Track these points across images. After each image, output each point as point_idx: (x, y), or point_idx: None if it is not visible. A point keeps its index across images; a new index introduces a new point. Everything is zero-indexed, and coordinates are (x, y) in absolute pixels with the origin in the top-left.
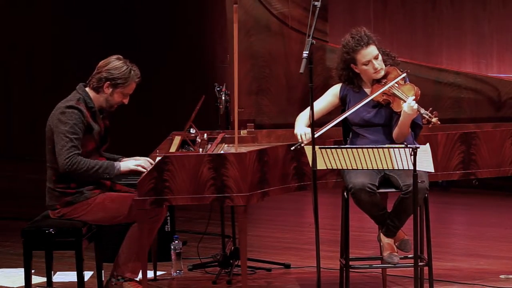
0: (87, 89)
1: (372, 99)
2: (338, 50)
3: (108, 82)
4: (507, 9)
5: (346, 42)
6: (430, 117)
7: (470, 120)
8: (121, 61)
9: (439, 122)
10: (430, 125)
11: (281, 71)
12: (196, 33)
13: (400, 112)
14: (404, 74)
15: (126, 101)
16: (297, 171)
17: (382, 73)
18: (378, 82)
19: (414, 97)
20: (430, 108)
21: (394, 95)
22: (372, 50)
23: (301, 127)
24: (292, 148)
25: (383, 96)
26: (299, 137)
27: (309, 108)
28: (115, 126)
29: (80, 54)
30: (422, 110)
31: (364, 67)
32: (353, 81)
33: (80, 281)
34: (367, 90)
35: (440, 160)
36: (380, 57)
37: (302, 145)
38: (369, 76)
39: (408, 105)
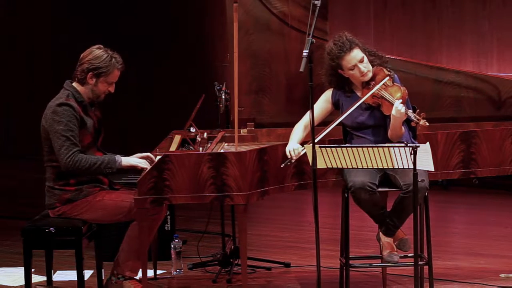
0: (74, 84)
1: (363, 101)
2: (324, 57)
3: (91, 73)
4: (507, 7)
5: (330, 49)
6: (418, 119)
7: (470, 119)
8: (101, 50)
9: (427, 124)
10: (419, 127)
11: (281, 70)
12: (196, 32)
13: (391, 115)
14: (388, 77)
15: (112, 89)
16: (297, 170)
17: (370, 75)
18: (367, 84)
19: (401, 100)
20: (418, 110)
21: (383, 97)
22: (356, 54)
23: (291, 143)
24: (282, 166)
25: (372, 98)
26: (288, 153)
27: (304, 118)
28: (116, 125)
29: (80, 54)
30: (410, 113)
31: (351, 71)
32: (343, 86)
33: (80, 280)
34: (359, 93)
35: (440, 159)
36: (365, 59)
37: (292, 161)
38: (357, 80)
39: (396, 109)
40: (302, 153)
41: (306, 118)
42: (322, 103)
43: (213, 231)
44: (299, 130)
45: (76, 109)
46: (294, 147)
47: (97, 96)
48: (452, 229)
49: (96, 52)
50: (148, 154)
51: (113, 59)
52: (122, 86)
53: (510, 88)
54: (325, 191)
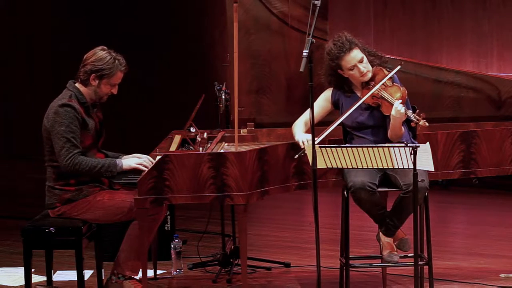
0: (76, 84)
1: (363, 102)
2: (324, 57)
3: (94, 74)
4: (507, 7)
5: (329, 49)
6: (417, 119)
7: (470, 119)
8: (105, 52)
9: (427, 124)
10: (419, 127)
11: (281, 70)
12: (196, 32)
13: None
14: (390, 75)
15: (114, 91)
16: (297, 170)
17: (369, 75)
18: (367, 84)
19: (400, 100)
20: (417, 110)
21: (383, 98)
22: (355, 55)
23: (301, 134)
24: (296, 157)
25: (372, 99)
26: (301, 143)
27: (303, 115)
28: (116, 125)
29: (80, 53)
30: (410, 113)
31: (350, 72)
32: (343, 87)
33: (80, 280)
34: (359, 93)
35: (440, 159)
36: (365, 59)
37: (306, 152)
38: (357, 80)
39: (395, 109)
40: (315, 142)
41: (306, 115)
42: (322, 102)
43: (213, 231)
44: (300, 125)
45: (78, 111)
46: (306, 137)
47: (99, 97)
48: (452, 229)
49: (100, 53)
50: (147, 157)
51: (116, 61)
52: (122, 86)
53: (510, 88)
54: (325, 191)
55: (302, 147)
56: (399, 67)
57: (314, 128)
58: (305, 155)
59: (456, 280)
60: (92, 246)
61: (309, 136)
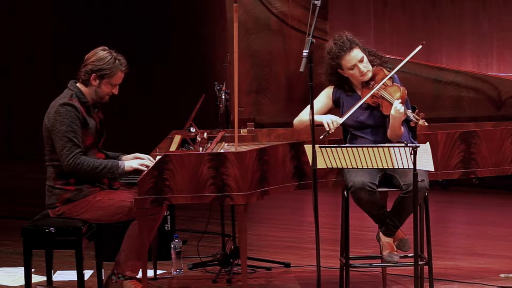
0: (78, 84)
1: (364, 101)
2: (324, 56)
3: (94, 74)
4: (507, 7)
5: (330, 49)
6: (417, 119)
7: (470, 119)
8: (105, 52)
9: (426, 124)
10: (419, 127)
11: (281, 70)
12: (196, 32)
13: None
14: (390, 75)
15: (115, 91)
16: (297, 170)
17: (369, 75)
18: (367, 84)
19: (400, 100)
20: (417, 110)
21: (382, 97)
22: (356, 54)
23: (321, 116)
24: (321, 137)
25: (372, 98)
26: (325, 125)
27: (305, 110)
28: (116, 125)
29: (80, 54)
30: (409, 113)
31: (350, 71)
32: (343, 86)
33: (80, 280)
34: (359, 93)
35: (440, 159)
36: (365, 59)
37: (330, 132)
38: (357, 79)
39: (395, 108)
40: (340, 123)
41: (308, 110)
42: (323, 99)
43: (213, 231)
44: (305, 117)
45: (79, 110)
46: (332, 118)
47: (100, 97)
48: (452, 229)
49: (100, 53)
50: (148, 156)
51: (117, 61)
52: (122, 86)
53: (510, 88)
54: (325, 191)
55: (327, 128)
56: (420, 46)
57: (314, 128)
58: (305, 153)
59: (456, 280)
60: (92, 246)
61: (334, 117)
